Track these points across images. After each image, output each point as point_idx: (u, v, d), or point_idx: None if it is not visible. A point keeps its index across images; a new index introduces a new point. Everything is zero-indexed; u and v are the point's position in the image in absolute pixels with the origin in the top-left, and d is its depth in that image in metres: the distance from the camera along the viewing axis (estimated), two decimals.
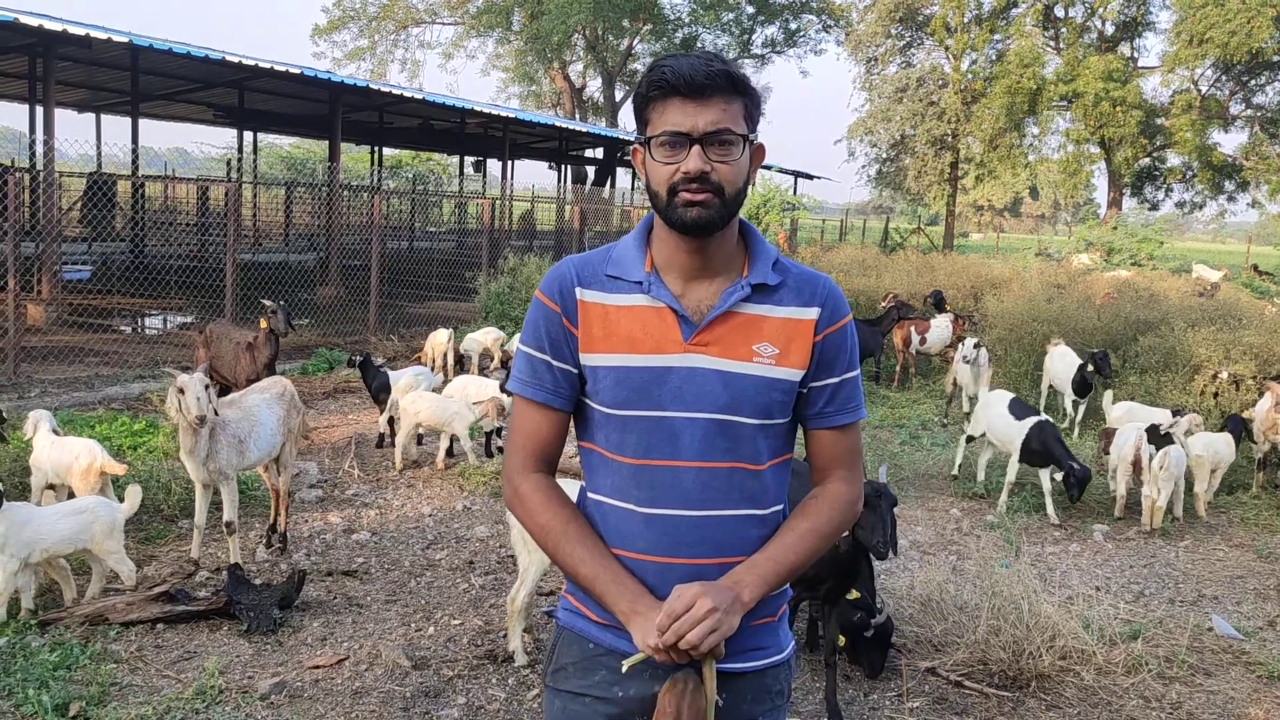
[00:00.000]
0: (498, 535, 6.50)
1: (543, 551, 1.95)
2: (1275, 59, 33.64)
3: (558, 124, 24.40)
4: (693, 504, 1.85)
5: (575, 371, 1.91)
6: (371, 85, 17.65)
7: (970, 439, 8.29)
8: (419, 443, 8.68)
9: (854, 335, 2.00)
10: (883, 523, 4.35)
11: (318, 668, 4.56)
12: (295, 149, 40.39)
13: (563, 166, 31.69)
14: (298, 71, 14.80)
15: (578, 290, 1.90)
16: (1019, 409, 7.64)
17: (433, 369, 11.44)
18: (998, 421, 7.73)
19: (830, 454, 2.00)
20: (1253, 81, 35.56)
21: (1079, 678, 4.72)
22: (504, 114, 20.86)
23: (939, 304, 14.88)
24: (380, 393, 8.44)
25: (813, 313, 1.92)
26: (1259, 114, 35.80)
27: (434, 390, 9.00)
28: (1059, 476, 7.28)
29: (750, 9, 37.88)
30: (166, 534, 6.09)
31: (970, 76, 37.52)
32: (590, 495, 1.95)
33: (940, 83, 39.03)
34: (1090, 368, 9.70)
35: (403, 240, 24.31)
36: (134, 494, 5.20)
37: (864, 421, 2.06)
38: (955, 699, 4.60)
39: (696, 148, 1.77)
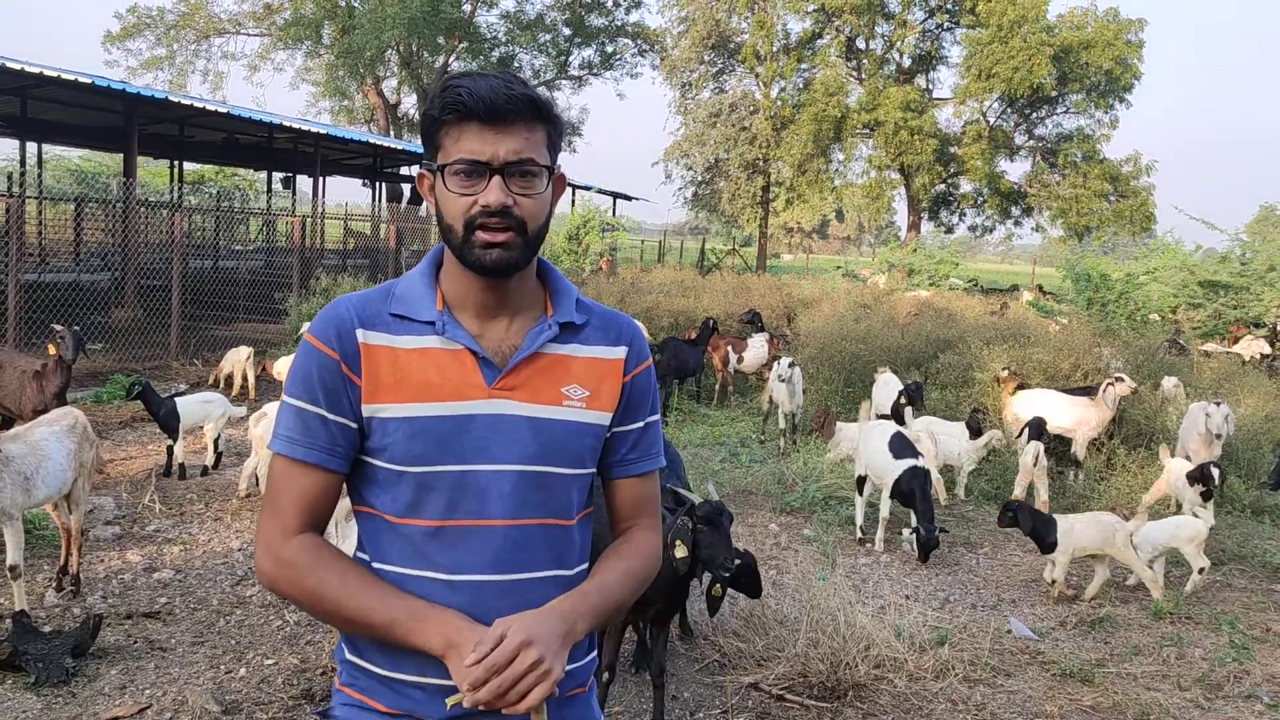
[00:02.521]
0: None
1: (316, 618, 1.72)
2: (1053, 94, 36.42)
3: (371, 140, 23.85)
4: (502, 567, 1.69)
5: (355, 426, 1.69)
6: (171, 97, 16.79)
7: (861, 480, 7.77)
8: (214, 467, 8.30)
9: (655, 379, 1.92)
10: (726, 541, 4.41)
11: (117, 719, 4.25)
12: (86, 162, 37.97)
13: (377, 184, 30.99)
14: (88, 81, 13.92)
15: (359, 332, 1.69)
16: (899, 447, 7.38)
17: (231, 388, 11.00)
18: (876, 456, 7.48)
19: (633, 504, 1.89)
20: (1034, 114, 38.39)
21: (892, 685, 4.91)
22: (314, 129, 20.25)
23: (755, 323, 15.28)
24: (169, 420, 7.96)
25: (620, 352, 1.82)
26: (1040, 144, 38.65)
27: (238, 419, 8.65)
28: (907, 532, 7.22)
29: (567, 31, 38.21)
30: None
31: (779, 103, 38.97)
32: (375, 565, 1.73)
33: (751, 109, 40.35)
34: (903, 399, 9.99)
35: (207, 259, 23.19)
36: None
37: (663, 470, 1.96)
38: (777, 712, 4.70)
39: (497, 179, 1.62)
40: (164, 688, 4.56)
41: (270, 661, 4.93)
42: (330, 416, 1.68)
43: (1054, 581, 6.48)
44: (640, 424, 1.86)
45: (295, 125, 19.72)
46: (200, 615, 5.46)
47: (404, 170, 31.75)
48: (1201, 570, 6.64)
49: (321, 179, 23.02)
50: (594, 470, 1.83)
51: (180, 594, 5.74)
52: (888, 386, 10.45)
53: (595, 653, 1.89)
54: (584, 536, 1.84)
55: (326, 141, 21.45)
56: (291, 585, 1.67)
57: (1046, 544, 6.49)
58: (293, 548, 1.68)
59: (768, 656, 5.13)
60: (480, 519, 1.68)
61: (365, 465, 1.73)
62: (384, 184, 31.52)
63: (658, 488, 1.94)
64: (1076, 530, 6.41)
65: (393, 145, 25.14)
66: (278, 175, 30.76)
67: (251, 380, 11.04)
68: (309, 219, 19.50)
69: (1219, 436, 8.25)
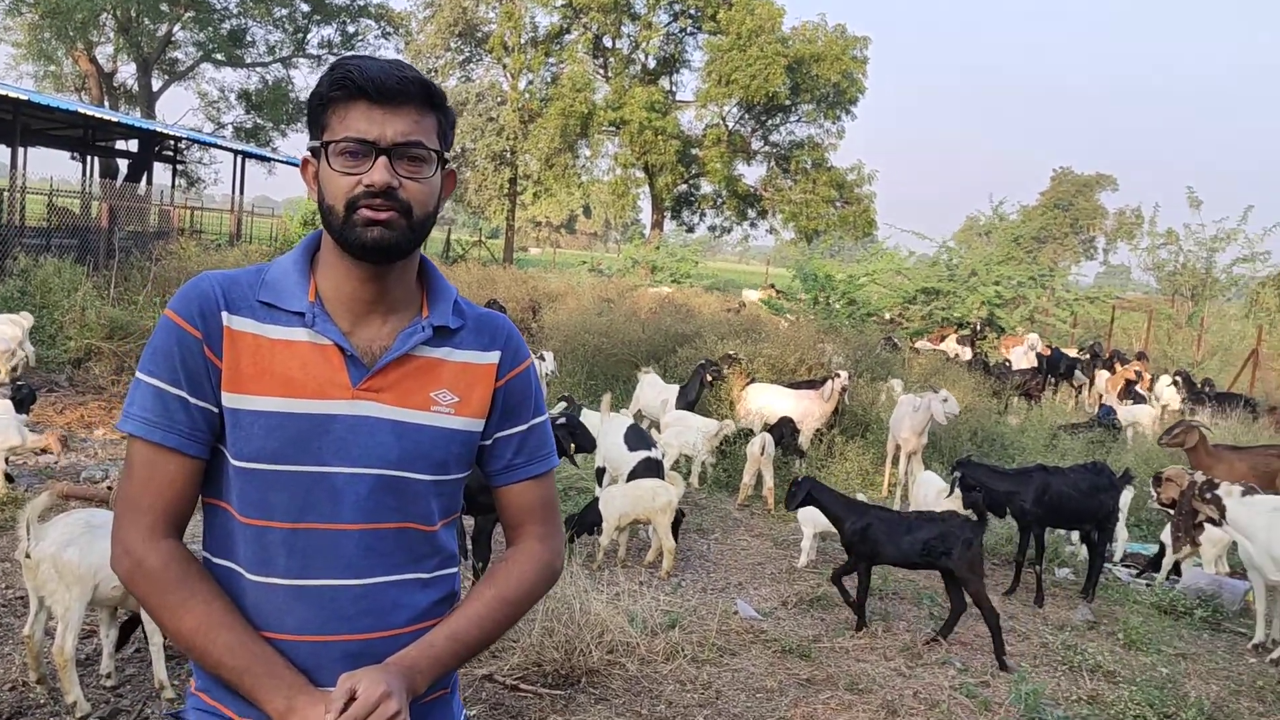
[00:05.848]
0: (3, 574, 5.62)
1: (164, 632, 1.61)
2: (787, 103, 38.34)
3: (82, 110, 21.86)
4: (354, 572, 1.62)
5: (216, 411, 1.60)
6: None
7: (600, 471, 7.94)
8: None
9: (537, 379, 1.85)
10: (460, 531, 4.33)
11: None
12: None
13: (89, 158, 28.50)
14: None
15: (224, 315, 1.60)
16: (634, 439, 7.57)
17: None
18: (612, 449, 7.66)
19: (522, 509, 1.83)
20: (769, 121, 40.26)
21: (625, 669, 4.98)
22: (13, 94, 18.32)
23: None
24: None
25: (493, 356, 1.75)
26: (774, 150, 40.59)
27: None
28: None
29: (305, 7, 36.50)
30: None
31: (527, 96, 38.95)
32: (217, 561, 1.64)
33: (499, 100, 40.14)
34: (709, 377, 10.22)
35: None
36: None
37: (556, 469, 1.90)
38: (511, 703, 4.65)
39: (383, 159, 1.56)
40: None
41: None
42: (192, 399, 1.59)
43: (603, 548, 6.84)
44: (524, 427, 1.80)
45: None
46: None
47: (120, 144, 29.42)
48: (671, 550, 6.86)
49: (22, 149, 20.87)
50: (462, 477, 1.76)
51: None
52: (654, 387, 10.63)
53: None
54: (449, 541, 1.77)
55: (28, 109, 19.47)
56: (149, 595, 1.58)
57: (590, 524, 6.86)
58: (159, 557, 1.58)
59: (502, 648, 5.07)
60: (332, 523, 1.61)
61: (218, 457, 1.63)
62: (97, 158, 29.03)
63: (552, 490, 1.88)
64: (615, 499, 6.79)
65: (107, 116, 23.15)
66: None
67: None
68: (6, 193, 17.67)
69: (950, 416, 9.12)
